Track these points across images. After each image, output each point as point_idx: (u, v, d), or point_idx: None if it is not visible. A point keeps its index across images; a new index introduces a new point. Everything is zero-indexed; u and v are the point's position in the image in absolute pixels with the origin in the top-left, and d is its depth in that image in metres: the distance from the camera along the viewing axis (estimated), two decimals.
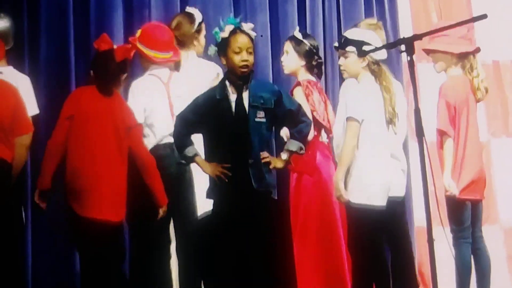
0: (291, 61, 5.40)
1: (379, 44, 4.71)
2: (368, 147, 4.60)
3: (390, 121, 4.67)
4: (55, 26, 5.60)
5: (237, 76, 4.34)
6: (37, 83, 5.25)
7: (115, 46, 4.84)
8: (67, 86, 5.45)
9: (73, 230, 4.67)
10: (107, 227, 4.60)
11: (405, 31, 6.17)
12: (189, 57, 5.31)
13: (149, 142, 4.91)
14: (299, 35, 5.39)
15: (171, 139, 4.78)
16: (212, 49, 4.52)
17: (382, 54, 4.65)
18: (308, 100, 5.23)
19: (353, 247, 4.71)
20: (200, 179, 4.90)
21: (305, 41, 5.32)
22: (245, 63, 4.30)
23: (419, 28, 6.19)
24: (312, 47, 5.35)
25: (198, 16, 5.36)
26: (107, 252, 4.63)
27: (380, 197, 4.59)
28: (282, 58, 5.46)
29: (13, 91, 4.79)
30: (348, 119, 4.59)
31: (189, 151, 4.42)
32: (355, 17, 6.07)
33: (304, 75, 5.33)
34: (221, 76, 5.18)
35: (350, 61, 4.71)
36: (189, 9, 5.44)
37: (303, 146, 4.45)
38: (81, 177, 4.61)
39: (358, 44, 4.55)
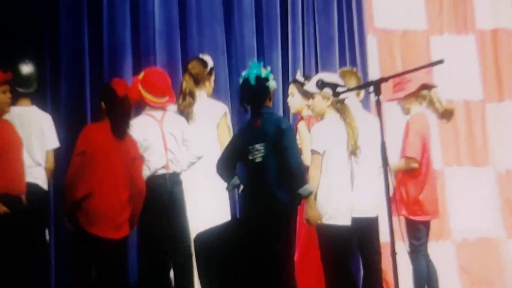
0: (297, 101, 5.39)
1: (350, 86, 4.81)
2: (331, 175, 4.63)
3: (353, 153, 4.69)
4: (73, 70, 5.67)
5: None
6: (57, 120, 5.35)
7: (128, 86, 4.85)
8: (84, 122, 5.49)
9: (80, 244, 4.68)
10: (110, 244, 4.63)
11: (373, 75, 6.24)
12: (201, 96, 5.34)
13: (144, 174, 4.91)
14: (301, 79, 5.36)
15: (163, 171, 4.92)
16: (274, 84, 4.72)
17: (346, 93, 4.63)
18: (310, 131, 5.22)
19: (323, 262, 4.71)
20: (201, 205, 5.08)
21: (306, 82, 5.18)
22: None
23: (386, 72, 6.22)
24: None
25: (210, 62, 5.42)
26: (110, 266, 4.68)
27: (342, 217, 4.61)
28: (288, 100, 5.46)
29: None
30: (311, 151, 4.66)
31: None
32: (331, 63, 6.17)
33: (306, 111, 5.26)
34: (228, 114, 5.39)
35: (316, 101, 4.74)
36: (203, 56, 5.48)
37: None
38: (92, 200, 4.61)
39: (333, 86, 4.60)
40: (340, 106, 4.73)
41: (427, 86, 5.21)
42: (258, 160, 4.60)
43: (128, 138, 4.82)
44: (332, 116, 4.74)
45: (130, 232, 4.83)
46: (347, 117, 4.72)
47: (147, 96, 5.05)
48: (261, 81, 4.65)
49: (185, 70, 5.40)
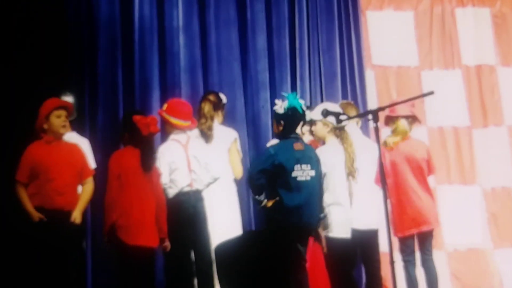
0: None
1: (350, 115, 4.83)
2: (332, 193, 4.65)
3: (350, 174, 4.72)
4: (108, 102, 5.77)
5: None
6: (94, 144, 5.43)
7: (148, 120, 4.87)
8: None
9: (120, 257, 4.68)
10: (148, 252, 4.70)
11: (371, 104, 6.31)
12: (215, 124, 5.42)
13: (172, 191, 4.98)
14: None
15: (188, 188, 4.95)
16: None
17: (345, 121, 4.70)
18: None
19: (329, 270, 4.73)
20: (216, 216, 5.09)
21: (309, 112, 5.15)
22: None
23: (383, 102, 6.30)
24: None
25: (224, 98, 5.53)
26: (145, 274, 4.69)
27: (342, 230, 4.62)
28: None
29: (79, 148, 4.98)
30: None
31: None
32: (334, 94, 6.23)
33: (307, 137, 5.27)
34: (238, 139, 5.42)
35: (318, 128, 4.83)
36: (220, 94, 5.55)
37: None
38: (128, 215, 4.66)
39: (336, 115, 4.64)
40: (339, 133, 4.80)
41: (391, 117, 5.13)
42: (306, 179, 4.55)
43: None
44: (332, 141, 4.80)
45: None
46: (344, 143, 4.78)
47: (174, 120, 5.07)
48: (304, 111, 4.74)
49: (205, 98, 5.46)
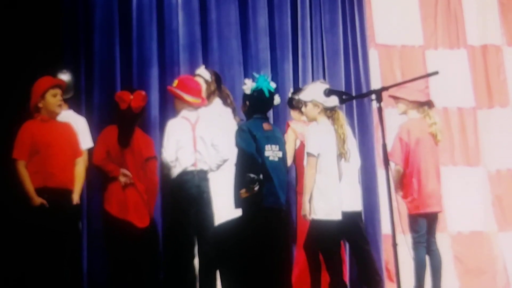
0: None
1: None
2: (324, 175, 4.59)
3: (341, 155, 4.67)
4: (105, 79, 5.64)
5: None
6: (91, 123, 5.31)
7: (131, 96, 4.86)
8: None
9: (107, 229, 4.70)
10: (135, 230, 4.65)
11: (375, 84, 6.18)
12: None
13: (176, 170, 4.91)
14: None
15: (192, 168, 4.87)
16: (278, 100, 4.81)
17: (333, 102, 4.64)
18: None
19: (310, 249, 4.68)
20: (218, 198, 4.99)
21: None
22: None
23: (386, 82, 6.19)
24: None
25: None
26: (134, 252, 4.64)
27: (335, 212, 4.58)
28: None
29: (72, 127, 4.89)
30: (307, 154, 4.62)
31: None
32: (337, 74, 6.09)
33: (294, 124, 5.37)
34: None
35: (308, 109, 4.75)
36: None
37: None
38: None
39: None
40: (330, 113, 4.71)
41: (431, 103, 5.21)
42: (275, 160, 4.54)
43: (143, 140, 4.88)
44: (323, 122, 4.72)
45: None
46: (335, 124, 4.70)
47: (187, 97, 5.03)
48: (272, 94, 4.70)
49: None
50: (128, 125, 4.84)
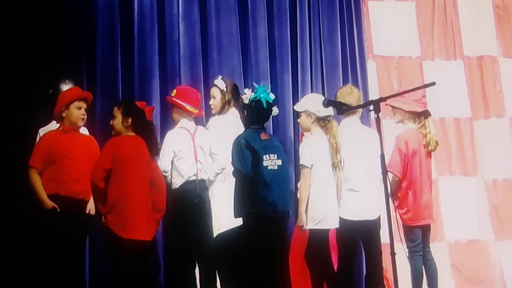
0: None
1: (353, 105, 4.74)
2: (318, 185, 4.60)
3: (335, 164, 4.66)
4: (107, 90, 5.62)
5: None
6: (92, 133, 5.24)
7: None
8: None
9: (114, 250, 4.49)
10: (143, 245, 4.53)
11: (373, 95, 6.16)
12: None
13: (178, 181, 4.92)
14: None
15: (194, 178, 4.89)
16: (276, 111, 4.74)
17: (326, 112, 4.63)
18: None
19: (308, 259, 4.69)
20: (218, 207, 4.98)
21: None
22: None
23: (384, 92, 6.12)
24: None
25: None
26: (142, 266, 4.55)
27: (331, 221, 4.58)
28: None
29: (94, 141, 4.88)
30: (300, 166, 4.64)
31: None
32: (335, 85, 6.05)
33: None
34: None
35: (302, 119, 4.78)
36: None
37: None
38: (122, 206, 4.46)
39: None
40: (323, 123, 4.71)
41: (427, 113, 5.17)
42: (275, 169, 4.52)
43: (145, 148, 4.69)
44: (317, 132, 4.73)
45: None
46: (328, 134, 4.70)
47: (187, 107, 5.05)
48: (270, 105, 4.68)
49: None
50: (154, 136, 4.80)
